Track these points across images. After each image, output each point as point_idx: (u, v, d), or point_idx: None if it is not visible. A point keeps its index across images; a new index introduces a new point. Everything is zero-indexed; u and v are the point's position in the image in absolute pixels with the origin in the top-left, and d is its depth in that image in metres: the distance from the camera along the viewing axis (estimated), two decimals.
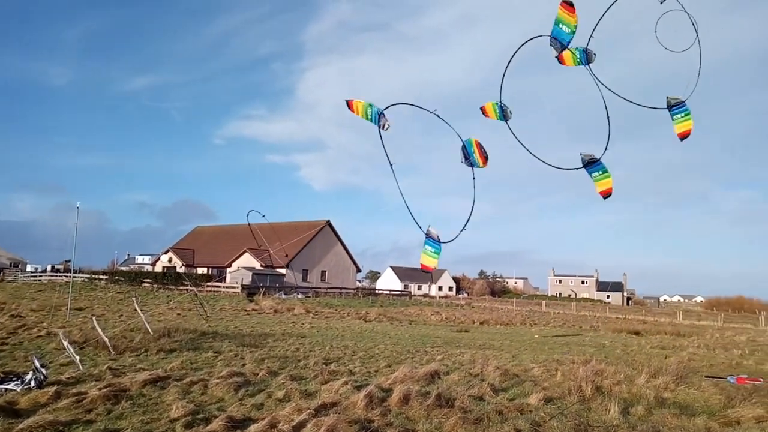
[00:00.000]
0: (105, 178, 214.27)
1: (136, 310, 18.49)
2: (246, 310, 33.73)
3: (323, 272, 64.82)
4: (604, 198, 8.57)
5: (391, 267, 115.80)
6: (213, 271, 63.79)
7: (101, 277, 51.86)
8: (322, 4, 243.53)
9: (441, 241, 7.36)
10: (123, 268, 75.35)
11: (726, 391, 10.79)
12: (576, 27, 8.12)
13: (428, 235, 7.40)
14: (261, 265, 57.46)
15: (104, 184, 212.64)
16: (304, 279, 61.28)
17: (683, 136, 9.04)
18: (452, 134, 8.17)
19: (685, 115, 8.93)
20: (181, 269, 63.32)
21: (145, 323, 16.14)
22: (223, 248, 66.48)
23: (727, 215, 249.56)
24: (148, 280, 50.86)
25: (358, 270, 72.67)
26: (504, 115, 8.31)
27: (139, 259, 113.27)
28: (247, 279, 52.41)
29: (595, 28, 7.77)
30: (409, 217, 7.55)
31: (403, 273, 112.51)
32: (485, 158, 7.95)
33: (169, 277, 50.85)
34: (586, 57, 8.18)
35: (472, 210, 7.32)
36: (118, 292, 42.10)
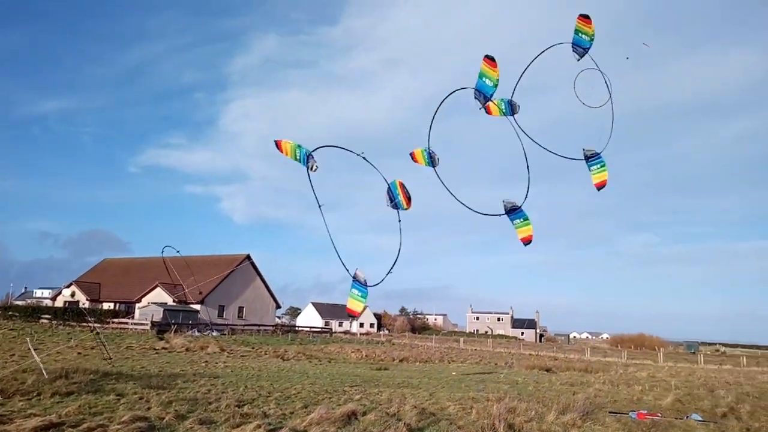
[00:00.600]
0: (3, 204, 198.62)
1: (29, 349, 17.01)
2: (155, 349, 31.87)
3: (241, 308, 62.73)
4: (525, 245, 8.97)
5: (313, 303, 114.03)
6: (121, 306, 60.07)
7: None
8: (249, 38, 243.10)
9: (368, 284, 7.38)
10: (19, 303, 69.33)
11: (628, 426, 11.35)
12: (498, 80, 8.67)
13: (355, 279, 7.40)
14: (174, 301, 54.81)
15: (2, 211, 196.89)
16: (220, 315, 59.00)
17: (600, 186, 9.69)
18: (378, 172, 8.31)
19: (601, 166, 9.60)
20: (84, 304, 59.11)
21: (39, 363, 14.86)
22: (133, 282, 62.95)
23: (629, 257, 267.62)
24: (46, 316, 47.01)
25: (278, 306, 70.97)
26: (432, 161, 8.59)
27: (38, 293, 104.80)
28: (158, 315, 49.72)
29: (518, 81, 8.33)
30: (333, 253, 7.54)
31: (324, 309, 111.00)
32: (409, 200, 8.15)
33: (70, 313, 47.30)
34: (511, 108, 8.71)
35: (398, 253, 7.43)
36: (11, 329, 38.55)
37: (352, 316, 7.60)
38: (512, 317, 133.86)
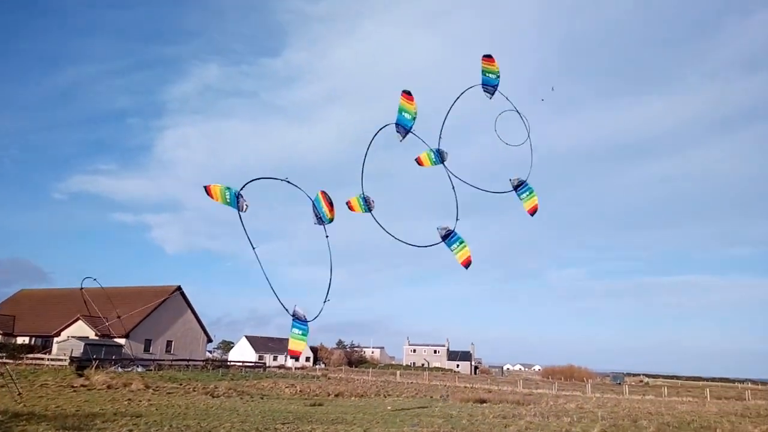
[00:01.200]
0: None
1: None
2: (73, 386, 29.86)
3: (169, 342, 59.97)
4: (465, 267, 9.26)
5: (246, 336, 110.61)
6: (37, 341, 56.11)
7: None
8: (189, 66, 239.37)
9: (308, 319, 7.26)
10: None
11: None
12: (416, 113, 9.03)
13: (295, 316, 7.26)
14: (96, 335, 51.80)
15: None
16: (146, 350, 56.16)
17: (532, 212, 10.26)
18: (302, 191, 8.33)
19: (530, 193, 10.19)
20: None
21: None
22: (51, 315, 59.07)
23: (559, 290, 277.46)
24: None
25: (210, 340, 68.39)
26: (368, 206, 8.74)
27: None
28: (78, 350, 46.74)
29: (442, 128, 8.72)
30: (268, 285, 7.38)
31: (258, 343, 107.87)
32: (331, 206, 8.16)
33: None
34: (440, 157, 9.07)
35: (330, 276, 7.40)
36: None
37: (295, 357, 7.46)
38: (448, 349, 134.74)
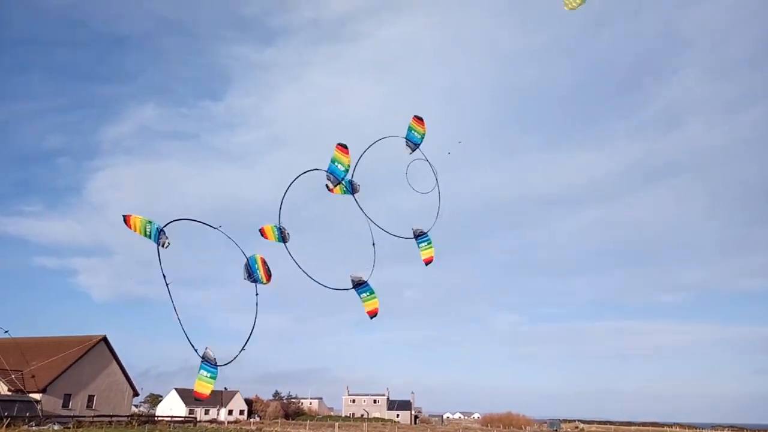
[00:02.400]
0: None
1: None
2: None
3: (91, 397, 55.91)
4: (371, 317, 9.39)
5: (176, 389, 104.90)
6: None
7: None
8: (125, 107, 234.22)
9: (218, 364, 7.04)
10: None
11: None
12: (349, 166, 9.42)
13: (204, 359, 7.03)
14: (9, 389, 47.73)
15: None
16: (66, 405, 52.09)
17: (427, 262, 10.75)
18: (237, 246, 8.22)
19: (428, 243, 10.69)
20: None
21: None
22: None
23: (498, 336, 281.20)
24: None
25: (136, 393, 64.30)
26: (282, 237, 8.78)
27: None
28: None
29: (357, 162, 9.03)
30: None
31: (189, 396, 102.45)
32: (269, 275, 8.10)
33: None
34: (352, 188, 9.39)
35: (252, 328, 7.24)
36: None
37: (199, 399, 7.16)
38: (388, 399, 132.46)
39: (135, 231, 7.43)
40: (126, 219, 7.38)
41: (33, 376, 41.78)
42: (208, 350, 7.24)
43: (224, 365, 7.16)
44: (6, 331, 14.71)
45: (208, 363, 7.16)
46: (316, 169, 9.14)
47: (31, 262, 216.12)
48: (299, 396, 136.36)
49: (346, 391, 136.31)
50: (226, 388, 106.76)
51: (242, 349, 7.18)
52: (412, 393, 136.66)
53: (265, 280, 7.94)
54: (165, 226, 7.44)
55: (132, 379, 62.15)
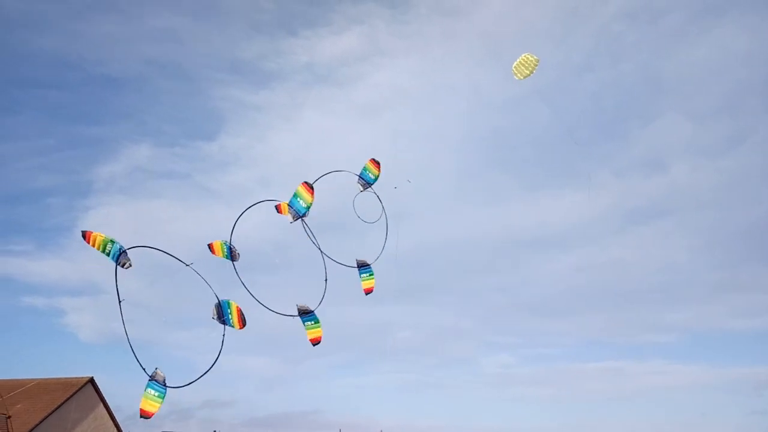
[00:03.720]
0: None
1: None
2: None
3: None
4: (314, 345, 9.68)
5: None
6: None
7: None
8: (118, 147, 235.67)
9: (167, 385, 7.22)
10: None
11: None
12: (311, 204, 10.03)
13: (153, 378, 7.22)
14: None
15: None
16: None
17: (367, 292, 11.11)
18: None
19: (369, 275, 11.09)
20: None
21: None
22: None
23: (489, 377, 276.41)
24: None
25: None
26: (232, 255, 9.11)
27: None
28: None
29: (314, 183, 9.50)
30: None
31: None
32: (243, 323, 8.35)
33: None
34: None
35: (214, 363, 7.44)
36: None
37: (145, 417, 7.29)
38: None
39: (94, 247, 7.64)
40: (85, 234, 7.59)
41: (9, 417, 41.17)
42: (157, 371, 7.44)
43: (175, 387, 7.35)
44: None
45: (157, 382, 7.36)
46: (270, 200, 9.60)
47: (19, 302, 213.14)
48: None
49: None
50: (216, 431, 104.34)
51: (198, 378, 7.38)
52: None
53: (237, 327, 8.16)
54: (129, 248, 7.69)
55: (119, 423, 60.79)
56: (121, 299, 7.33)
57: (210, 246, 8.94)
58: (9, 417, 41.96)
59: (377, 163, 12.20)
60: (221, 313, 8.08)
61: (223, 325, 8.01)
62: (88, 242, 7.69)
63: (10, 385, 48.51)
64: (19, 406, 43.62)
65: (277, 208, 9.98)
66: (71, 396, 52.82)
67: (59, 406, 51.25)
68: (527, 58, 17.29)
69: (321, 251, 9.19)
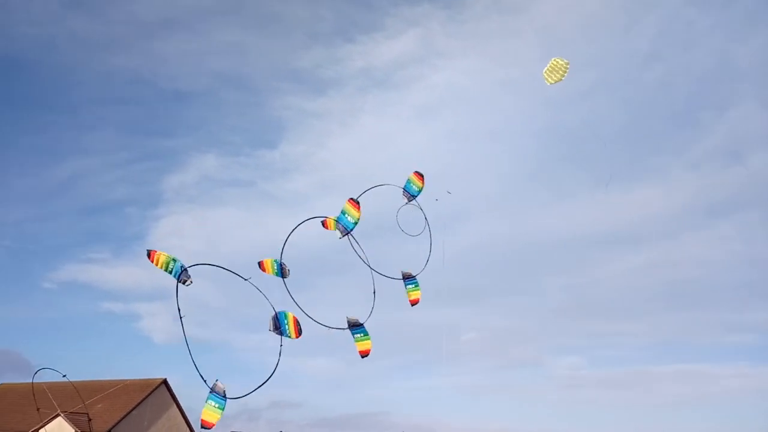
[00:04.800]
0: None
1: None
2: None
3: None
4: (362, 357, 9.53)
5: None
6: None
7: None
8: (187, 158, 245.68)
9: (227, 396, 7.18)
10: None
11: None
12: (359, 219, 9.96)
13: (213, 390, 7.19)
14: None
15: None
16: None
17: (414, 303, 10.91)
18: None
19: (415, 286, 10.89)
20: None
21: None
22: (33, 411, 56.59)
23: (557, 380, 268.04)
24: None
25: None
26: (282, 272, 9.05)
27: None
28: None
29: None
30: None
31: None
32: (299, 333, 8.31)
33: None
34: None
35: (274, 370, 7.36)
36: None
37: (206, 427, 7.25)
38: None
39: (157, 266, 7.78)
40: (150, 254, 7.74)
41: (90, 420, 43.33)
42: (217, 383, 7.41)
43: (234, 398, 7.29)
44: (64, 375, 15.52)
45: (217, 394, 7.32)
46: (318, 217, 9.60)
47: (98, 307, 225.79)
48: None
49: None
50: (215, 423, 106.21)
51: (257, 388, 7.31)
52: None
53: (294, 336, 8.11)
54: (190, 266, 7.76)
55: (191, 423, 63.03)
56: (182, 315, 7.35)
57: (260, 264, 8.94)
58: (90, 420, 44.25)
59: (421, 176, 12.33)
60: (278, 324, 8.03)
61: (280, 336, 7.92)
62: (152, 261, 7.85)
63: (90, 387, 51.23)
64: (99, 406, 45.93)
65: (324, 224, 10.01)
66: (147, 396, 55.22)
67: (136, 406, 53.66)
68: (557, 63, 17.37)
69: (369, 267, 9.06)
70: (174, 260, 7.63)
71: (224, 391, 7.25)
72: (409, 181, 12.35)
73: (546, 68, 17.51)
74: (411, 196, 12.28)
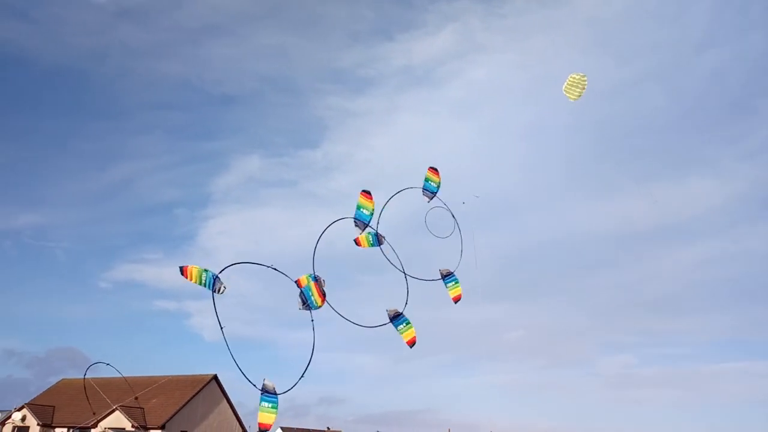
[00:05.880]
0: None
1: None
2: None
3: None
4: (410, 346, 9.58)
5: (282, 428, 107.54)
6: (75, 431, 56.06)
7: None
8: (233, 160, 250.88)
9: (277, 392, 7.35)
10: None
11: None
12: (373, 210, 10.00)
13: (264, 390, 7.36)
14: (133, 426, 51.45)
15: None
16: None
17: (456, 300, 10.85)
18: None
19: (455, 283, 10.85)
20: (36, 429, 55.14)
21: None
22: (91, 404, 59.22)
23: (608, 378, 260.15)
24: None
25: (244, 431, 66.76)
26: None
27: None
28: None
29: (380, 213, 9.39)
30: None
31: None
32: (323, 295, 8.48)
33: None
34: (378, 240, 9.78)
35: (311, 357, 7.53)
36: None
37: (265, 430, 7.43)
38: None
39: (191, 281, 8.01)
40: (183, 270, 7.97)
41: (143, 425, 44.88)
42: (266, 381, 7.59)
43: (283, 393, 7.47)
44: (107, 364, 16.28)
45: (268, 393, 7.50)
46: (345, 218, 9.72)
47: (152, 306, 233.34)
48: None
49: None
50: (329, 428, 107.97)
51: (301, 376, 7.48)
52: None
53: (319, 303, 8.32)
54: (220, 272, 8.01)
55: (241, 418, 64.69)
56: (222, 326, 7.60)
57: (297, 282, 9.12)
58: (143, 425, 45.95)
59: (436, 171, 12.35)
60: (304, 299, 8.25)
61: (309, 310, 8.13)
62: (186, 277, 8.11)
63: (145, 382, 53.19)
64: (154, 400, 47.57)
65: (357, 242, 10.25)
66: (198, 392, 56.94)
67: (188, 401, 55.44)
68: (575, 78, 17.50)
69: (404, 273, 9.14)
70: (205, 271, 7.91)
71: (274, 389, 7.44)
72: (426, 180, 12.60)
73: (564, 85, 17.68)
74: (432, 193, 12.48)
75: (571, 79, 17.47)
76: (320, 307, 8.34)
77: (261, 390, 7.44)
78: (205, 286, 7.83)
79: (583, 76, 17.24)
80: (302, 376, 7.41)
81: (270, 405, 7.43)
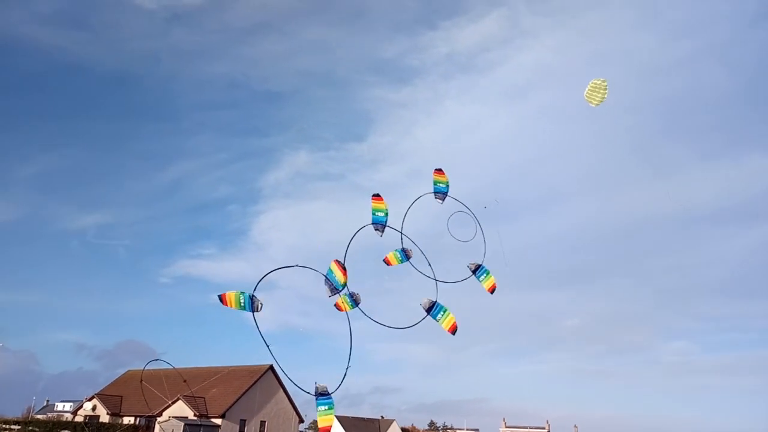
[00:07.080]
0: (38, 316, 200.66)
1: None
2: None
3: (263, 423, 60.46)
4: (452, 333, 9.63)
5: (337, 417, 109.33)
6: (141, 420, 58.59)
7: (13, 426, 46.85)
8: (281, 155, 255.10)
9: (330, 392, 7.44)
10: (39, 417, 68.26)
11: None
12: (387, 210, 10.00)
13: (317, 393, 7.45)
14: (194, 415, 53.41)
15: (37, 323, 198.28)
16: (242, 430, 56.91)
17: (491, 290, 10.80)
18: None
19: (487, 274, 10.75)
20: (106, 418, 57.93)
21: None
22: (155, 395, 61.79)
23: (666, 366, 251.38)
24: (66, 431, 46.19)
25: (301, 420, 68.28)
26: (354, 301, 9.32)
27: (60, 406, 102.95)
28: (178, 430, 48.33)
29: (402, 225, 9.36)
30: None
31: (349, 423, 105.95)
32: (344, 272, 8.54)
33: (90, 428, 46.38)
34: (405, 255, 9.81)
35: (351, 345, 7.59)
36: None
37: None
38: None
39: (231, 307, 8.21)
40: (222, 298, 8.16)
41: (204, 402, 46.40)
42: (317, 384, 7.69)
43: (335, 390, 7.57)
44: (158, 360, 17.00)
45: (323, 395, 7.60)
46: (366, 225, 9.82)
47: (208, 299, 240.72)
48: (455, 426, 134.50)
49: (503, 423, 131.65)
50: (383, 417, 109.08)
51: (347, 367, 7.59)
52: (575, 426, 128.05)
53: (342, 280, 8.41)
54: (254, 290, 8.16)
55: (297, 407, 66.17)
56: (268, 344, 7.80)
57: (337, 305, 9.23)
58: (204, 414, 47.54)
59: (441, 171, 12.38)
60: (330, 285, 8.36)
61: (336, 293, 8.25)
62: (225, 303, 8.33)
63: (205, 373, 55.03)
64: (214, 390, 49.15)
65: (386, 261, 10.39)
66: (256, 382, 58.49)
67: (246, 391, 57.11)
68: (596, 83, 17.43)
69: (435, 279, 9.15)
70: (242, 293, 8.12)
71: (326, 389, 7.57)
72: (435, 182, 12.75)
73: (586, 90, 17.55)
74: (443, 194, 12.60)
75: (593, 85, 17.45)
76: (345, 285, 8.48)
77: (315, 395, 7.57)
78: (243, 308, 8.05)
79: (604, 81, 17.19)
80: (347, 370, 7.55)
81: (326, 407, 7.61)
